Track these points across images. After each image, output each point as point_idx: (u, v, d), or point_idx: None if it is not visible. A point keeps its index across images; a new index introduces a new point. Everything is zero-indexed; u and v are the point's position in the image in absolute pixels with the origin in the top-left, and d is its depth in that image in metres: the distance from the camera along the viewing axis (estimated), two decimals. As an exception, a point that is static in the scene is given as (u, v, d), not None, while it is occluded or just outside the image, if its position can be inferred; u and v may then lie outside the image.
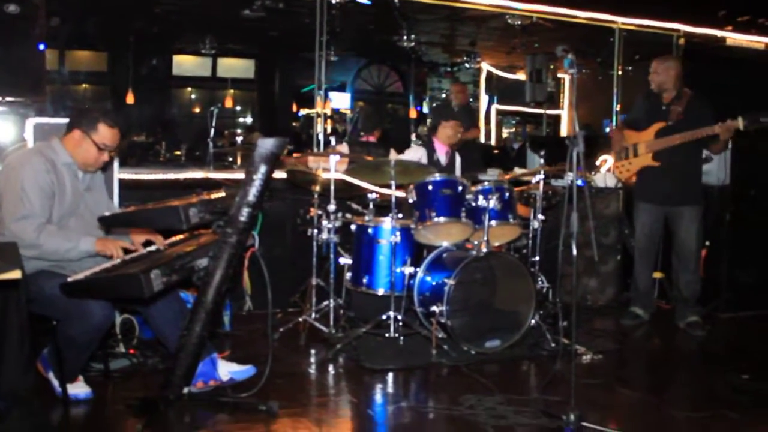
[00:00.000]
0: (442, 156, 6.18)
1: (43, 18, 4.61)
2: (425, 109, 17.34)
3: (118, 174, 4.99)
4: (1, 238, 3.78)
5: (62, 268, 3.90)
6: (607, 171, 7.09)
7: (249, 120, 18.16)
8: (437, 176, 5.25)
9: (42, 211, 3.85)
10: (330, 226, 5.35)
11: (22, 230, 3.76)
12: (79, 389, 3.98)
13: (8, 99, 4.86)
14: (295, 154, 5.87)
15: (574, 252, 3.76)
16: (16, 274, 2.98)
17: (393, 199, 5.27)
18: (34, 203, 3.82)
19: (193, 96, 17.94)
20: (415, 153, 6.19)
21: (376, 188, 5.54)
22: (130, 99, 14.27)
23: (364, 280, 5.31)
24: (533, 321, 5.17)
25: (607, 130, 10.44)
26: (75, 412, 3.87)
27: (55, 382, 3.94)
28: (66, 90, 14.84)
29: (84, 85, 16.01)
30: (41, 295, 3.70)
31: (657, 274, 6.56)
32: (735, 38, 9.35)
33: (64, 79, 14.50)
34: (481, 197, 5.20)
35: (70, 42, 13.22)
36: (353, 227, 5.42)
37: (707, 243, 6.44)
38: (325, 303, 5.39)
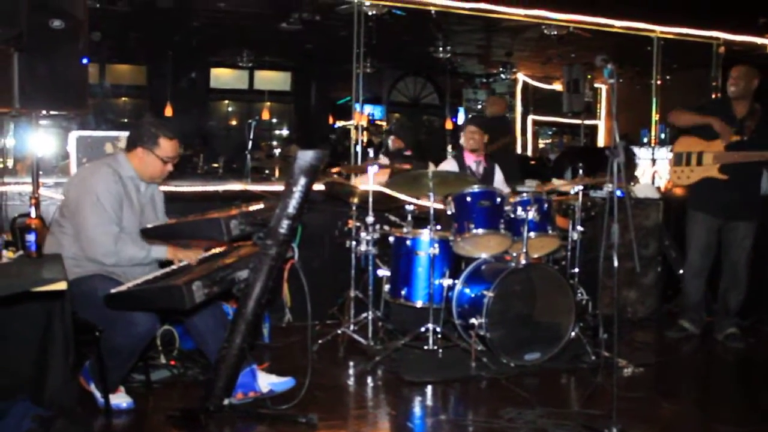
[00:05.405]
0: (471, 165, 6.13)
1: (86, 32, 4.65)
2: (461, 121, 17.35)
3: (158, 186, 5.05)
4: (76, 245, 3.93)
5: (118, 275, 3.98)
6: (653, 174, 6.95)
7: (285, 132, 18.31)
8: (476, 188, 5.22)
9: (117, 220, 3.96)
10: (368, 237, 5.34)
11: (102, 238, 3.88)
12: (121, 399, 4.02)
13: (52, 112, 4.93)
14: (334, 169, 5.86)
15: (615, 263, 3.73)
16: (61, 285, 3.04)
17: (431, 211, 5.26)
18: (109, 211, 3.93)
19: (230, 108, 18.15)
20: (447, 166, 6.17)
21: (415, 200, 5.53)
22: (168, 112, 14.49)
23: (403, 292, 5.30)
24: (573, 333, 5.12)
25: (645, 140, 10.34)
26: (117, 422, 3.90)
27: (98, 394, 3.98)
28: (107, 103, 15.13)
29: (124, 99, 16.30)
30: (92, 297, 3.73)
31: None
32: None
33: (106, 92, 14.80)
34: (519, 209, 5.16)
35: (111, 56, 13.46)
36: (391, 239, 5.41)
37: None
38: (364, 315, 5.38)
